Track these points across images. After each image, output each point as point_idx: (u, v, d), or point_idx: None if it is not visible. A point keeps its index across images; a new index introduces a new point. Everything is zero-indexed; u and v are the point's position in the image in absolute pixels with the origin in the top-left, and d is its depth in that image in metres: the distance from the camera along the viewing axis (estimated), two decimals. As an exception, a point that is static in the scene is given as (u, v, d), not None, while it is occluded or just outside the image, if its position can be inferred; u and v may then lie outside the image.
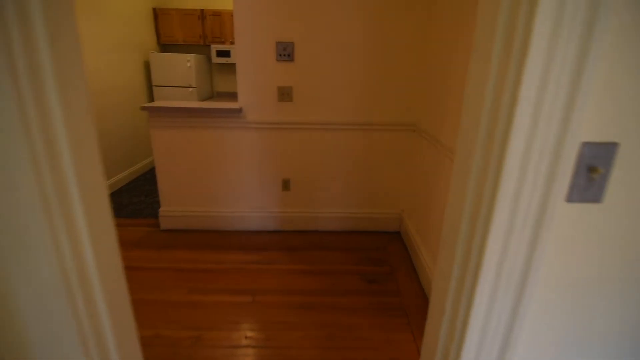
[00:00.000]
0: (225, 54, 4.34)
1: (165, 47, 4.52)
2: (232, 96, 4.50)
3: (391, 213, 2.74)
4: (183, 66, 4.04)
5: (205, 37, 4.33)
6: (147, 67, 4.07)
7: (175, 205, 2.62)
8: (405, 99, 2.41)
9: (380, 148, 2.54)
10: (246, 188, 2.59)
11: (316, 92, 2.37)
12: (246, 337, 1.71)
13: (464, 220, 0.64)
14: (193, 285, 2.07)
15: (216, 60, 4.39)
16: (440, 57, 2.06)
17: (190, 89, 4.13)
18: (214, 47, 4.31)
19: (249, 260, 2.31)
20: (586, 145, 0.55)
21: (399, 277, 2.23)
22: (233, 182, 2.57)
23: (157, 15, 4.23)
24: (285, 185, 2.59)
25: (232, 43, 4.32)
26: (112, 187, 3.42)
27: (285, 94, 2.37)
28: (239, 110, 2.35)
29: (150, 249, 2.42)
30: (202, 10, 4.20)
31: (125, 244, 2.47)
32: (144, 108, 2.31)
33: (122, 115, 3.58)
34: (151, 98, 4.18)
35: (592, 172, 0.55)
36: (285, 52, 2.29)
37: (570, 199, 0.57)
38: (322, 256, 2.40)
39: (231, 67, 4.63)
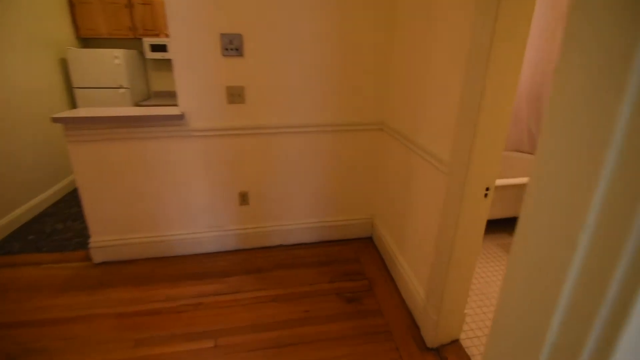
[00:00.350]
0: (160, 48, 3.82)
1: (86, 41, 3.87)
2: (173, 96, 4.00)
3: (362, 218, 2.54)
4: (110, 64, 3.48)
5: (136, 30, 3.77)
6: (64, 66, 3.44)
7: (110, 232, 2.18)
8: (370, 95, 2.19)
9: (346, 150, 2.30)
10: (197, 206, 2.22)
11: (272, 92, 2.06)
12: (211, 397, 1.41)
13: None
14: (139, 334, 1.69)
15: (150, 55, 3.85)
16: (407, 50, 1.86)
17: (122, 90, 3.57)
18: (147, 41, 3.77)
19: (208, 292, 1.98)
20: None
21: (378, 291, 2.03)
22: (180, 200, 2.19)
23: (74, 4, 3.59)
24: (243, 198, 2.26)
25: (168, 36, 3.81)
26: (32, 212, 2.83)
27: (235, 95, 2.04)
28: (180, 117, 1.97)
29: (81, 292, 1.98)
30: (128, -2, 3.63)
31: (49, 289, 2.00)
32: (55, 120, 1.84)
33: (35, 125, 2.97)
34: (73, 103, 3.56)
35: None
36: (232, 46, 1.95)
37: None
38: (292, 276, 2.13)
39: (169, 63, 4.11)
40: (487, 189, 1.38)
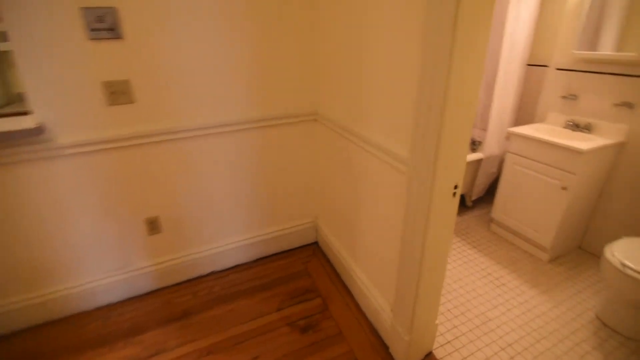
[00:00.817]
0: (15, 36, 2.90)
1: None
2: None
3: (304, 223, 2.22)
4: None
5: (-28, 12, 2.80)
6: None
7: (-44, 305, 1.53)
8: (299, 82, 1.83)
9: (276, 148, 1.93)
10: (87, 247, 1.66)
11: (174, 85, 1.57)
12: None
13: None
14: None
15: (3, 46, 2.92)
16: (342, 21, 1.53)
17: (-39, 96, 2.64)
18: (-8, 27, 2.83)
19: (118, 361, 1.49)
20: None
21: (335, 309, 1.75)
22: (63, 242, 1.61)
23: None
24: (153, 226, 1.77)
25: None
26: None
27: (119, 93, 1.51)
28: (38, 131, 1.39)
29: None
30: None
31: None
32: None
33: None
34: None
35: None
36: (104, 25, 1.41)
37: None
38: (230, 312, 1.73)
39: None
40: (456, 187, 1.15)
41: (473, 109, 1.04)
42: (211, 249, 1.96)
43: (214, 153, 1.77)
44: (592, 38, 1.99)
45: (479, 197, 2.85)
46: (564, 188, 1.94)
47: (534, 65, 2.45)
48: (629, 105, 1.88)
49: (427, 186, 1.09)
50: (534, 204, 2.13)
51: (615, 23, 1.88)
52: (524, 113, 2.59)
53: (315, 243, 2.30)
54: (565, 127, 2.18)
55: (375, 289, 1.62)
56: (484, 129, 2.72)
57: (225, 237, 1.99)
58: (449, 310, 1.79)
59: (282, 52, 1.73)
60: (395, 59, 1.18)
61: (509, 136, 2.22)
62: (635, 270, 1.49)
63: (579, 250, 2.29)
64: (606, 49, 1.94)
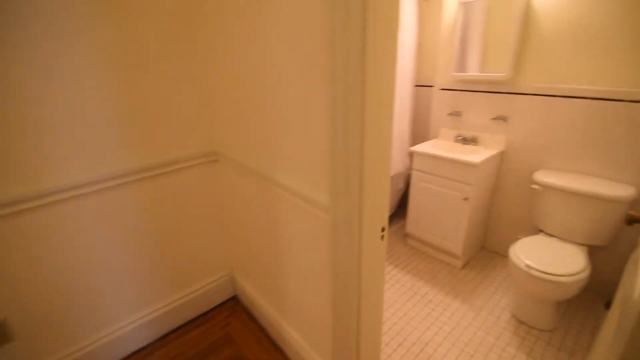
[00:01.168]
0: None
1: None
2: None
3: (218, 278, 1.92)
4: None
5: None
6: None
7: None
8: (191, 119, 1.58)
9: (175, 196, 1.63)
10: None
11: (12, 139, 1.16)
12: None
13: None
14: None
15: None
16: (236, 57, 1.36)
17: None
18: None
19: None
20: None
21: (268, 378, 1.51)
22: None
23: None
24: None
25: None
26: None
27: None
28: None
29: None
30: None
31: None
32: None
33: None
34: None
35: None
36: None
37: None
38: (134, 421, 1.34)
39: None
40: (383, 229, 1.06)
41: (389, 146, 0.97)
42: (98, 339, 1.52)
43: (89, 219, 1.38)
44: (464, 61, 2.22)
45: (392, 213, 2.93)
46: (465, 199, 2.08)
47: (421, 86, 2.65)
48: (503, 118, 2.13)
49: (355, 234, 0.97)
50: (442, 216, 2.24)
51: (478, 49, 2.12)
52: (419, 130, 2.77)
53: (234, 298, 2.01)
54: (455, 142, 2.38)
55: (311, 349, 1.44)
56: (387, 148, 2.82)
57: (118, 319, 1.57)
58: (387, 344, 1.71)
59: (166, 88, 1.46)
60: (301, 95, 1.05)
61: (411, 154, 2.32)
62: (538, 270, 1.62)
63: (483, 250, 2.49)
64: (474, 70, 2.18)
